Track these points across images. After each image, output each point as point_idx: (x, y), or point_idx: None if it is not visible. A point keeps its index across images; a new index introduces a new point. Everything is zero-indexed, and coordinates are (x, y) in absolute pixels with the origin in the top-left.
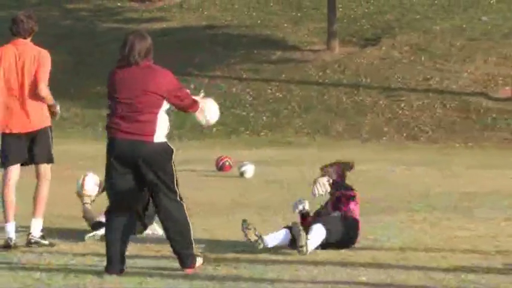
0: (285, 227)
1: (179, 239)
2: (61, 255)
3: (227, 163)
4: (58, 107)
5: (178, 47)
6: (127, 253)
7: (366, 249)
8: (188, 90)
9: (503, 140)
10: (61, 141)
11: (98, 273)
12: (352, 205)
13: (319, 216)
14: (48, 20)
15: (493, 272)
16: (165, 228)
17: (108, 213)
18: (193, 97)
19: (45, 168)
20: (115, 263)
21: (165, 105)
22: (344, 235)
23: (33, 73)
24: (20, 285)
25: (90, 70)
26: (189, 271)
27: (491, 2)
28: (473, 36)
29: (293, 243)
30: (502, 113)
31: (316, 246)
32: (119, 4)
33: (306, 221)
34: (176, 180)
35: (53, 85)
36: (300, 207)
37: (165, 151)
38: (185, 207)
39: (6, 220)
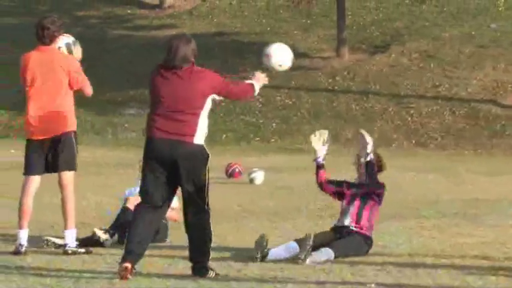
0: (295, 240)
1: (199, 247)
2: (71, 260)
3: (237, 170)
4: (79, 51)
5: None
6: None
7: (375, 255)
8: (233, 82)
9: None
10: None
11: (109, 279)
12: (373, 212)
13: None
14: None
15: (501, 278)
16: (188, 233)
17: (136, 208)
18: (246, 82)
19: (66, 176)
20: (133, 254)
21: (208, 107)
22: (352, 255)
23: (61, 80)
24: None
25: (100, 77)
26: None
27: (500, 9)
28: (482, 43)
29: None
30: (511, 119)
31: (316, 262)
32: (128, 11)
33: (320, 173)
34: (207, 187)
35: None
36: (320, 158)
37: (202, 154)
38: (210, 217)
39: (19, 226)
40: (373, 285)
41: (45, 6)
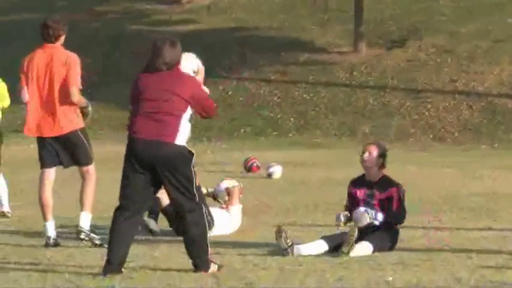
0: (322, 238)
1: (195, 243)
2: (90, 255)
3: (255, 164)
4: (90, 108)
5: (207, 49)
6: (156, 253)
7: (392, 250)
8: (211, 100)
9: None
10: (91, 143)
11: (128, 276)
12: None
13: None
14: (76, 22)
15: None
16: (183, 231)
17: (115, 214)
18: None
19: (86, 169)
20: (115, 265)
21: (189, 111)
22: (389, 249)
23: (63, 77)
24: (49, 285)
25: (119, 72)
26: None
27: None
28: (498, 38)
29: (331, 250)
30: None
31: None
32: (147, 7)
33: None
34: (195, 184)
35: (83, 87)
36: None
37: (184, 154)
38: (204, 212)
39: (44, 219)
40: (390, 278)
41: (65, 1)
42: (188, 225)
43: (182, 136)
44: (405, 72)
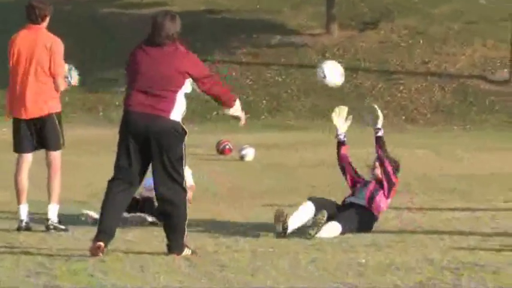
0: (309, 199)
1: (174, 224)
2: (63, 239)
3: (227, 147)
4: (76, 79)
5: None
6: (128, 237)
7: (369, 232)
8: (218, 79)
9: (502, 122)
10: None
11: (100, 259)
12: (383, 199)
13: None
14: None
15: (491, 253)
16: (162, 211)
17: (110, 186)
18: (229, 91)
19: (55, 155)
20: (106, 234)
21: (186, 87)
22: (357, 231)
23: (45, 61)
24: (22, 269)
25: (91, 55)
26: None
27: None
28: (471, 20)
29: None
30: (500, 95)
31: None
32: None
33: (342, 150)
34: (184, 164)
35: None
36: (341, 135)
37: (178, 130)
38: (186, 196)
39: (18, 202)
40: (363, 260)
41: None
42: (169, 210)
43: (177, 111)
44: (377, 54)
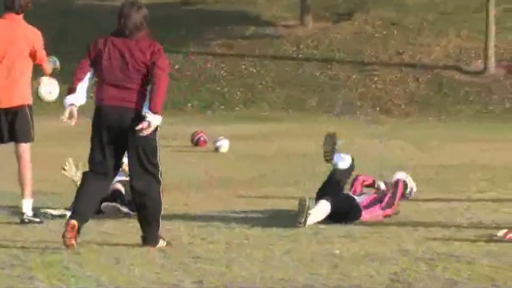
0: (324, 198)
1: (149, 217)
2: (38, 231)
3: (202, 138)
4: (58, 63)
5: (154, 23)
6: (103, 228)
7: (339, 223)
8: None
9: (476, 112)
10: (37, 118)
11: (75, 251)
12: (377, 209)
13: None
14: None
15: (465, 243)
16: (137, 204)
17: (84, 176)
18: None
19: (24, 147)
20: (79, 215)
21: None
22: (344, 216)
23: (24, 50)
24: None
25: (65, 47)
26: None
27: None
28: (445, 11)
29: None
30: (475, 86)
31: (315, 222)
32: None
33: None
34: (158, 155)
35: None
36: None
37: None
38: (161, 188)
39: None
40: (337, 251)
41: None
42: (145, 199)
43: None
44: (352, 45)
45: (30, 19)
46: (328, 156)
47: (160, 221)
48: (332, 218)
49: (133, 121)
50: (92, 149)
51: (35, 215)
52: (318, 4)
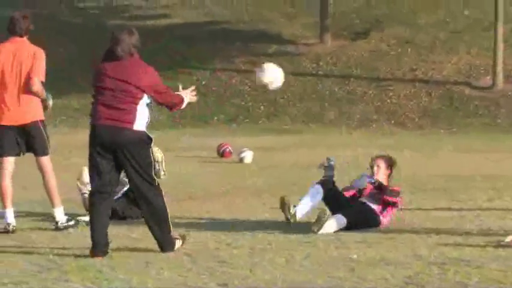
0: (318, 183)
1: (158, 225)
2: (72, 237)
3: (227, 150)
4: (51, 101)
5: (181, 42)
6: (133, 235)
7: (356, 229)
8: (169, 89)
9: (485, 125)
10: (73, 131)
11: (108, 256)
12: (388, 214)
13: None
14: (59, 18)
15: (475, 249)
16: (144, 214)
17: (91, 198)
18: (177, 93)
19: (44, 160)
20: (101, 246)
21: (145, 99)
22: (362, 226)
23: (28, 69)
24: (33, 266)
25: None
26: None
27: None
28: (456, 29)
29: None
30: (484, 100)
31: (327, 233)
32: (125, 2)
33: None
34: (153, 167)
35: (67, 79)
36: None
37: (143, 139)
38: (163, 194)
39: (4, 206)
40: (354, 256)
41: None
42: (150, 211)
43: (140, 121)
44: (368, 62)
45: (64, 38)
46: (330, 178)
47: (171, 224)
48: (351, 229)
49: (126, 140)
50: (90, 168)
51: (68, 220)
52: (336, 23)
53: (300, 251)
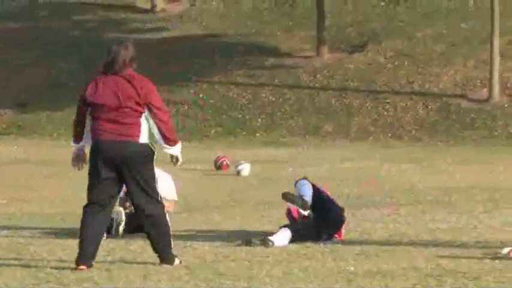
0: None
1: (159, 239)
2: (71, 250)
3: (224, 163)
4: None
5: (179, 55)
6: (131, 247)
7: (354, 241)
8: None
9: (481, 138)
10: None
11: (106, 268)
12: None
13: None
14: (58, 30)
15: (472, 261)
16: (145, 229)
17: (85, 210)
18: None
19: None
20: (87, 257)
21: (147, 112)
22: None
23: None
24: (32, 279)
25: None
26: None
27: (470, 9)
28: (453, 42)
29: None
30: (480, 113)
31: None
32: (123, 16)
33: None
34: (156, 180)
35: (63, 92)
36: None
37: (147, 152)
38: (165, 209)
39: None
40: (352, 268)
41: (45, 11)
42: (151, 223)
43: (144, 134)
44: (365, 74)
45: (62, 50)
46: (306, 205)
47: (172, 241)
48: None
49: (131, 153)
50: (90, 182)
51: None
52: (333, 36)
53: (297, 263)
